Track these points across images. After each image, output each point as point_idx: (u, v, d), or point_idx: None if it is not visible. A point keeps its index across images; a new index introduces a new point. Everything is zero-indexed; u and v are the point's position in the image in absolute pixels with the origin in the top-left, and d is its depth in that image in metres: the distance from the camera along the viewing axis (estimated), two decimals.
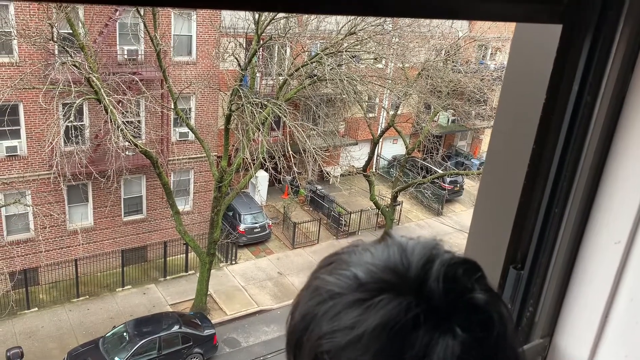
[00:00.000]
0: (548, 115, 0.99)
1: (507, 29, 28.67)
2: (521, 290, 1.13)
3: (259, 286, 20.45)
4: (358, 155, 25.10)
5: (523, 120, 1.01)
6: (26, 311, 17.94)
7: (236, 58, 17.17)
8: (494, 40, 28.93)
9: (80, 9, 16.61)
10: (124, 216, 20.48)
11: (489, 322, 0.64)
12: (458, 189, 28.43)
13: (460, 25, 24.77)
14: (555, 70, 0.98)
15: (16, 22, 15.86)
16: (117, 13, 17.65)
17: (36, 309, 18.14)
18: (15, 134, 17.51)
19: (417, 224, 26.26)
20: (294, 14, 16.75)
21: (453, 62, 21.92)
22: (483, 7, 0.84)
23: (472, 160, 31.95)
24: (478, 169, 27.97)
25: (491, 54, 31.22)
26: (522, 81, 1.02)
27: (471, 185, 29.19)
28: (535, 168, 1.00)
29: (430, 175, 23.86)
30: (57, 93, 15.28)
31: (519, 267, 1.12)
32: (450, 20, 21.56)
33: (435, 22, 20.93)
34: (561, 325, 1.17)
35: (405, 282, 0.63)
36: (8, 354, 14.48)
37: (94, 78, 14.44)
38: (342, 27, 17.33)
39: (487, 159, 1.11)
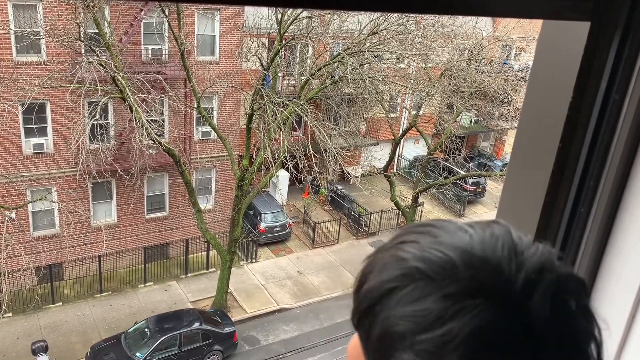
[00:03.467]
0: (575, 114, 0.98)
1: (532, 28, 28.26)
2: None
3: (279, 285, 20.53)
4: (379, 155, 25.01)
5: (549, 119, 1.00)
6: (51, 305, 18.30)
7: (259, 58, 17.26)
8: (518, 40, 28.53)
9: (107, 9, 16.87)
10: (147, 213, 20.75)
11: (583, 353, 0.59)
12: (480, 190, 28.15)
13: (484, 25, 24.50)
14: (582, 68, 0.96)
15: (45, 22, 16.19)
16: (142, 13, 17.89)
17: (61, 303, 18.50)
18: (43, 132, 17.88)
19: None
20: (317, 14, 16.77)
21: (476, 62, 21.69)
22: (510, 4, 0.83)
23: (495, 161, 31.58)
24: (501, 170, 27.64)
25: (515, 54, 30.80)
26: (549, 79, 1.01)
27: (494, 187, 28.86)
28: (561, 167, 0.99)
29: (452, 176, 23.65)
30: (83, 92, 15.55)
31: None
32: (475, 20, 21.35)
33: (459, 21, 20.74)
34: None
35: (509, 291, 0.57)
36: (33, 347, 14.77)
37: (119, 77, 14.66)
38: (365, 27, 17.27)
39: (511, 158, 1.10)
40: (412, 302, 0.58)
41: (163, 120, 19.32)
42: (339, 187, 26.01)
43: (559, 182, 1.01)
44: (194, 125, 20.38)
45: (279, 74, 19.50)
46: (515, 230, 0.64)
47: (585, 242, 1.08)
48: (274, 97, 16.02)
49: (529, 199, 1.05)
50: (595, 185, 1.02)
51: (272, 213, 22.65)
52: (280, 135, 16.46)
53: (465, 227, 0.64)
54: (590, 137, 1.00)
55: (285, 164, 16.73)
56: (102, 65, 14.75)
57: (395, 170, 28.14)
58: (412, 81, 21.54)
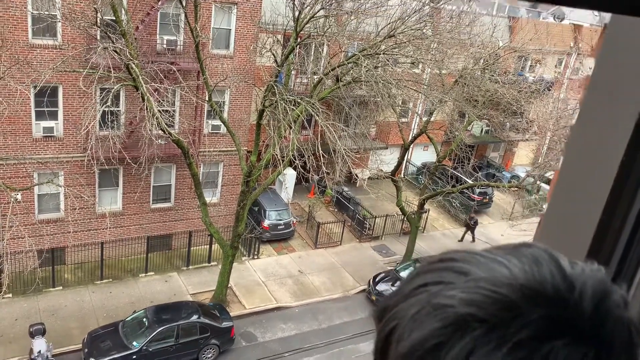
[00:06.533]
0: None
1: (549, 40, 28.03)
2: None
3: (279, 283, 20.44)
4: (388, 159, 24.88)
5: (611, 128, 0.89)
6: (51, 289, 18.30)
7: (273, 54, 17.16)
8: (534, 52, 28.32)
9: None
10: (152, 203, 20.72)
11: None
12: (487, 200, 27.96)
13: (501, 35, 24.31)
14: None
15: (62, 5, 16.16)
16: (160, 2, 17.84)
17: (61, 287, 18.50)
18: (53, 115, 17.87)
19: (443, 233, 25.89)
20: (334, 13, 16.65)
21: (491, 71, 21.51)
22: None
23: (503, 172, 31.38)
24: (509, 181, 27.44)
25: (530, 66, 30.59)
26: (614, 81, 0.90)
27: (501, 198, 28.65)
28: (622, 182, 0.88)
29: (460, 184, 23.49)
30: (96, 77, 15.50)
31: None
32: (492, 29, 21.14)
33: (476, 30, 20.54)
34: None
35: (583, 324, 0.50)
36: (31, 330, 14.76)
37: (133, 65, 14.60)
38: (382, 29, 17.14)
39: (562, 168, 0.99)
40: (473, 357, 0.49)
41: (174, 111, 19.27)
42: (345, 188, 25.89)
43: (618, 199, 0.89)
44: (205, 118, 20.33)
45: (293, 72, 19.40)
46: (547, 249, 0.57)
47: None
48: (286, 95, 15.92)
49: (581, 217, 0.94)
50: None
51: (276, 211, 22.57)
52: (290, 134, 16.35)
53: (491, 255, 0.56)
54: None
55: (293, 162, 16.63)
56: (117, 52, 14.70)
57: (402, 176, 27.99)
58: (426, 87, 21.38)
